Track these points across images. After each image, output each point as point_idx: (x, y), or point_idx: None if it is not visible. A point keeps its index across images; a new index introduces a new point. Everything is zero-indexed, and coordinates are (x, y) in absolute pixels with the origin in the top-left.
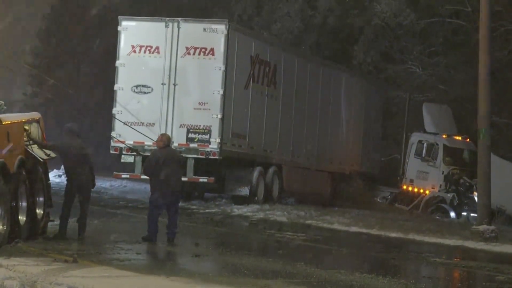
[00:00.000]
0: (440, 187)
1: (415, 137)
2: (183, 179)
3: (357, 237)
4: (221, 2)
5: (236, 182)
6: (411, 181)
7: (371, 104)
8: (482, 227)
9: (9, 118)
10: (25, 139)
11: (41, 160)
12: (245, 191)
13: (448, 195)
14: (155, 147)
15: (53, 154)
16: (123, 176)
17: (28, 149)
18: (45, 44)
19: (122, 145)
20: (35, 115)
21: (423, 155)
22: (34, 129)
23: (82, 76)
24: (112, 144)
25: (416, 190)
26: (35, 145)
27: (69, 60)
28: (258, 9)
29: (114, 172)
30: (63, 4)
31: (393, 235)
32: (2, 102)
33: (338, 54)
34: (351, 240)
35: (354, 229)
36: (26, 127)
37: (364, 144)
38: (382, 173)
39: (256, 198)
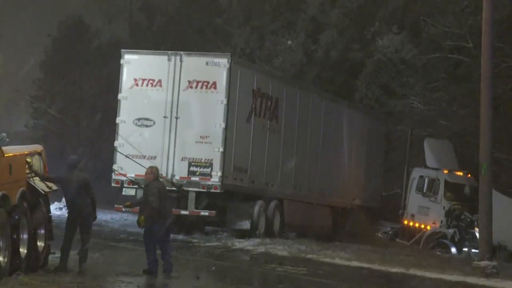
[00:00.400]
0: (441, 222)
1: (416, 172)
2: (184, 212)
3: (358, 272)
4: (223, 35)
5: (237, 216)
6: (412, 216)
7: (372, 138)
8: (483, 263)
9: (12, 150)
10: (27, 171)
11: (43, 192)
12: (246, 224)
13: (450, 230)
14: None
15: (54, 187)
16: (123, 209)
17: (30, 182)
18: (47, 76)
19: (124, 178)
20: (37, 147)
21: (425, 190)
22: (36, 162)
23: (84, 108)
24: (114, 177)
25: (417, 225)
26: (37, 178)
27: (71, 92)
28: (260, 42)
29: (115, 205)
30: (64, 36)
31: (394, 270)
32: (5, 134)
33: (340, 88)
34: (352, 275)
35: (355, 263)
36: (28, 160)
37: (365, 178)
38: (384, 208)
39: (258, 232)
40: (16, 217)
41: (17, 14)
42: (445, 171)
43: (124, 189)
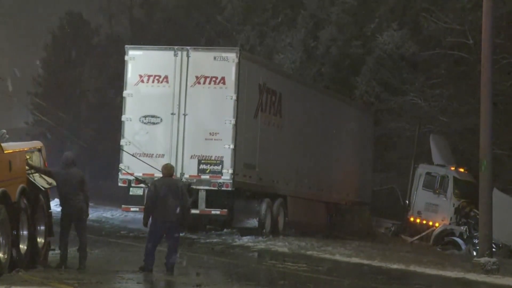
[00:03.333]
0: (451, 219)
1: (422, 169)
2: (195, 211)
3: (358, 268)
4: (223, 32)
5: (244, 214)
6: (419, 212)
7: (364, 133)
8: (483, 259)
9: (11, 147)
10: (27, 167)
11: (43, 189)
12: (253, 223)
13: (462, 228)
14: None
15: (54, 183)
16: (132, 209)
17: (30, 178)
18: (47, 73)
19: (131, 177)
20: (37, 143)
21: (436, 188)
22: (36, 158)
23: (84, 105)
24: (120, 176)
25: (424, 222)
26: (37, 174)
27: (71, 89)
28: (261, 39)
29: (123, 206)
30: (65, 33)
31: (394, 266)
32: (5, 131)
33: (340, 84)
34: (352, 271)
35: (355, 260)
36: (28, 156)
37: (358, 173)
38: (381, 204)
39: (264, 230)
40: (16, 213)
41: (17, 11)
42: (452, 168)
43: (131, 188)
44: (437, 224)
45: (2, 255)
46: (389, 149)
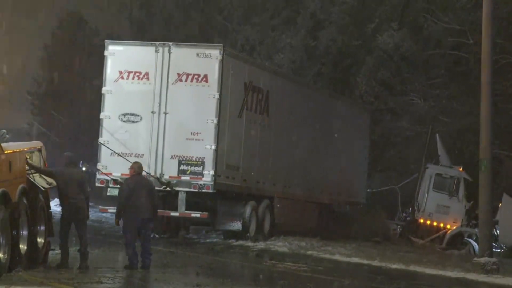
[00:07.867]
0: (462, 221)
1: (432, 170)
2: (174, 214)
3: (358, 268)
4: (223, 32)
5: (228, 217)
6: (430, 214)
7: (358, 132)
8: (483, 259)
9: (11, 147)
10: (26, 167)
11: (43, 189)
12: (237, 225)
13: (476, 230)
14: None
15: (54, 183)
16: (109, 210)
17: (30, 178)
18: (46, 73)
19: (108, 177)
20: (37, 144)
21: (452, 190)
22: (36, 158)
23: (83, 105)
24: (98, 176)
25: (435, 224)
26: (37, 174)
27: (70, 89)
28: (261, 39)
29: (100, 207)
30: (64, 33)
31: (394, 266)
32: (5, 131)
33: (340, 84)
34: (352, 271)
35: (355, 260)
36: (28, 156)
37: (355, 173)
38: (380, 205)
39: (248, 234)
40: (16, 213)
41: (17, 10)
42: (460, 169)
43: (109, 189)
44: (448, 226)
45: (2, 255)
46: (388, 149)
